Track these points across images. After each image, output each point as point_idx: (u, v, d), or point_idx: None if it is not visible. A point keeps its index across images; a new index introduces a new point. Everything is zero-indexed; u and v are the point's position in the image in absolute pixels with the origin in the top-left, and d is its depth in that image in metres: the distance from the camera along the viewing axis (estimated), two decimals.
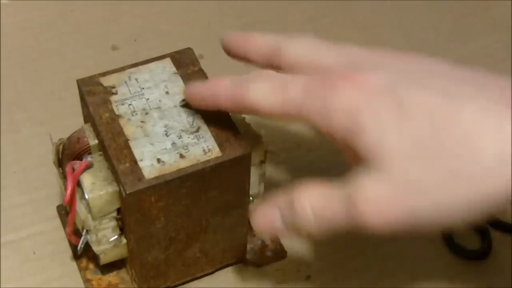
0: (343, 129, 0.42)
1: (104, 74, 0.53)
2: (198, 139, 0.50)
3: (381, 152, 0.41)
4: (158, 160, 0.49)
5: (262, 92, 0.45)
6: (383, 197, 0.41)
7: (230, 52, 0.51)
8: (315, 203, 0.43)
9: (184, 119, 0.51)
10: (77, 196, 0.50)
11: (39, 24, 0.73)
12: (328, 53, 0.46)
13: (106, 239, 0.52)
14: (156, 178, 0.48)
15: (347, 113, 0.42)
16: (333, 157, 0.65)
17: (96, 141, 0.51)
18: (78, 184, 0.50)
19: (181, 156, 0.49)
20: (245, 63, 0.69)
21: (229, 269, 0.58)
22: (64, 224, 0.59)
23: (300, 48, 0.47)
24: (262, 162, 0.53)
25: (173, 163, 0.49)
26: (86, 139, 0.51)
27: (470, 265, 0.59)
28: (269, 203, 0.46)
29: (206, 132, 0.50)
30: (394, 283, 0.58)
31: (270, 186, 0.61)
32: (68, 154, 0.52)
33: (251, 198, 0.54)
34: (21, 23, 0.73)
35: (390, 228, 0.41)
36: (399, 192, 0.41)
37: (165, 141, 0.50)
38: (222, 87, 0.48)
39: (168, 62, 0.54)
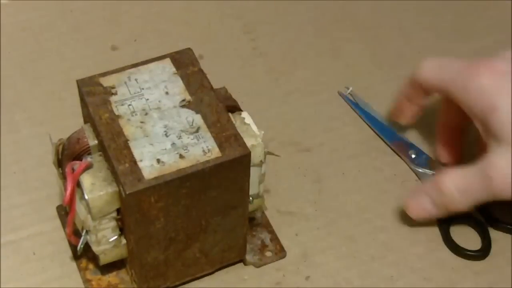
0: (479, 106, 0.54)
1: (104, 74, 0.53)
2: (198, 140, 0.50)
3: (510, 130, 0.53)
4: (158, 161, 0.49)
5: (430, 66, 0.59)
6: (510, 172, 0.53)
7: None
8: (457, 183, 0.56)
9: (183, 119, 0.51)
10: (77, 197, 0.50)
11: (39, 24, 0.73)
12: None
13: (106, 240, 0.52)
14: (155, 178, 0.48)
15: (484, 92, 0.54)
16: (333, 156, 0.65)
17: (96, 142, 0.51)
18: (78, 185, 0.50)
19: (181, 156, 0.49)
20: (243, 65, 0.70)
21: (229, 269, 0.58)
22: (64, 224, 0.59)
23: None
24: (262, 162, 0.53)
25: (172, 163, 0.49)
26: (86, 140, 0.51)
27: (470, 264, 0.59)
28: (418, 192, 0.59)
29: (205, 133, 0.50)
30: (393, 283, 0.58)
31: (270, 186, 0.61)
32: (68, 155, 0.52)
33: (250, 198, 0.54)
34: (21, 23, 0.73)
35: None
36: None
37: (165, 142, 0.50)
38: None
39: (168, 62, 0.54)
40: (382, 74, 0.71)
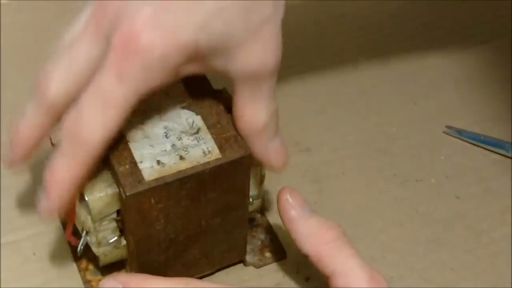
0: None
1: None
2: (198, 141, 0.50)
3: None
4: (158, 162, 0.49)
5: None
6: None
7: None
8: None
9: (184, 120, 0.51)
10: (77, 198, 0.50)
11: (39, 24, 0.73)
12: None
13: (106, 241, 0.52)
14: (156, 180, 0.48)
15: None
16: (333, 156, 0.65)
17: None
18: None
19: (181, 157, 0.49)
20: None
21: (229, 270, 0.58)
22: (64, 225, 0.59)
23: None
24: None
25: (173, 165, 0.49)
26: None
27: (470, 265, 0.59)
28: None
29: (206, 134, 0.50)
30: (393, 283, 0.58)
31: (270, 187, 0.61)
32: None
33: (251, 200, 0.54)
34: (21, 23, 0.73)
35: None
36: None
37: (165, 143, 0.50)
38: None
39: None
40: (382, 74, 0.71)
